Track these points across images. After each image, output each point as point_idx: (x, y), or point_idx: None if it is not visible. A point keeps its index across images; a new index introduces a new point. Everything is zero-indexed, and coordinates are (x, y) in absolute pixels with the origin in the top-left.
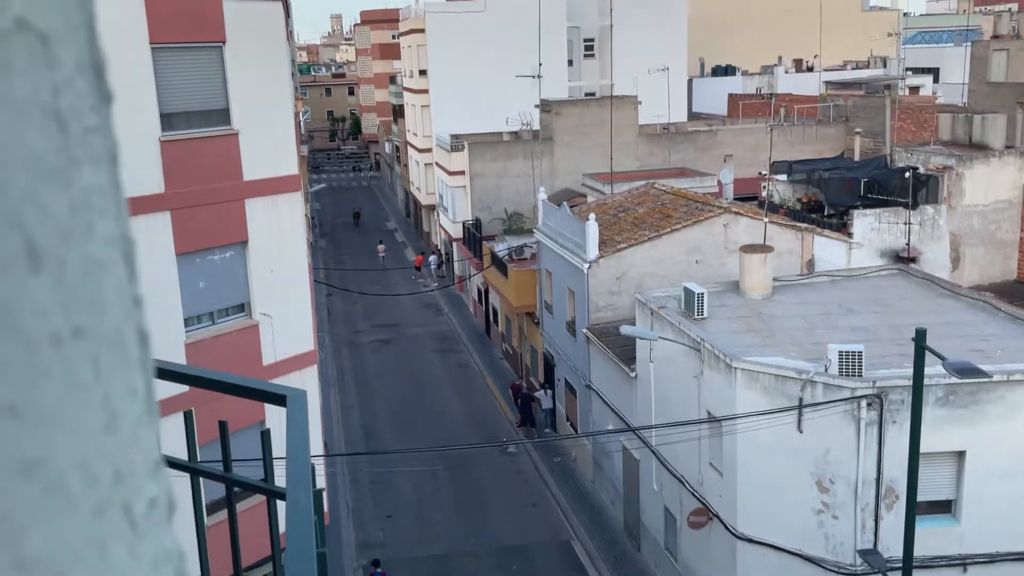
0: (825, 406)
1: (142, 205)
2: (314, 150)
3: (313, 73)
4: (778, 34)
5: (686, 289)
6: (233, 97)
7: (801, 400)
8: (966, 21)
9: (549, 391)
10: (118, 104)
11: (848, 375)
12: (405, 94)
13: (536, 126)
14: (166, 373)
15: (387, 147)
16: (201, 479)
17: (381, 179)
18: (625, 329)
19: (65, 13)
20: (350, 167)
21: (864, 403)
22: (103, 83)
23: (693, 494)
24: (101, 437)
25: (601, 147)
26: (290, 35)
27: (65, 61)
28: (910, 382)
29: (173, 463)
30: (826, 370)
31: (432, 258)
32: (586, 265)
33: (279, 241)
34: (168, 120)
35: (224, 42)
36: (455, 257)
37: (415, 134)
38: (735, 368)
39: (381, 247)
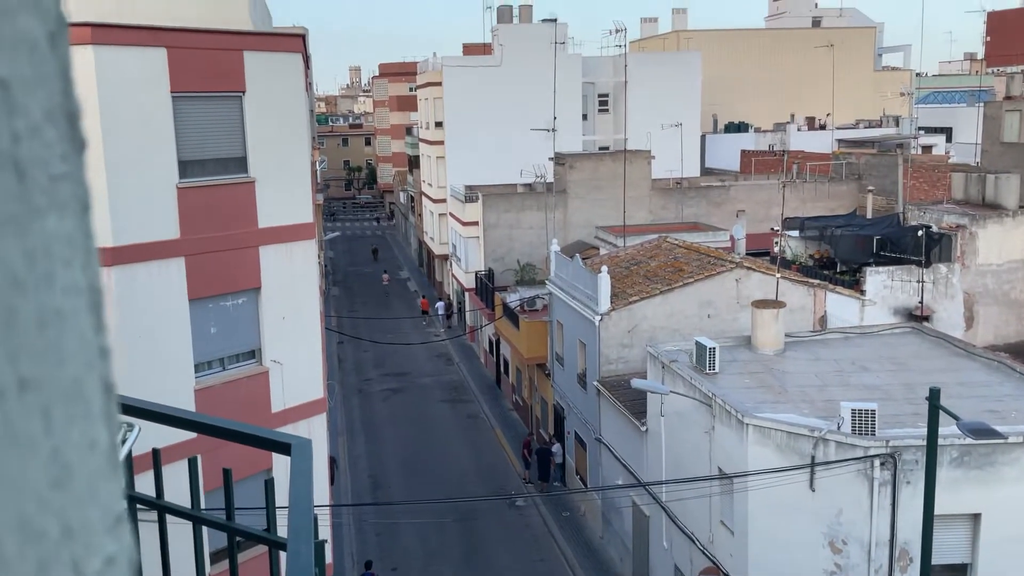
0: (838, 465)
1: (157, 250)
2: (329, 199)
3: (331, 123)
4: (791, 92)
5: (698, 343)
6: (251, 146)
7: (813, 458)
8: (979, 82)
9: (558, 444)
10: (138, 151)
11: (861, 434)
12: (421, 145)
13: (550, 178)
14: (171, 419)
15: (402, 197)
16: (204, 527)
17: (395, 228)
18: (636, 382)
19: (33, 62)
20: (365, 216)
21: (877, 463)
22: (76, 131)
23: (703, 552)
24: (48, 492)
25: (614, 200)
26: (309, 86)
27: (30, 109)
28: (924, 442)
29: (176, 511)
30: (839, 428)
31: (439, 304)
32: (598, 317)
33: (292, 288)
34: (186, 167)
35: (244, 92)
36: (467, 307)
37: (430, 184)
38: (747, 424)
39: (385, 276)
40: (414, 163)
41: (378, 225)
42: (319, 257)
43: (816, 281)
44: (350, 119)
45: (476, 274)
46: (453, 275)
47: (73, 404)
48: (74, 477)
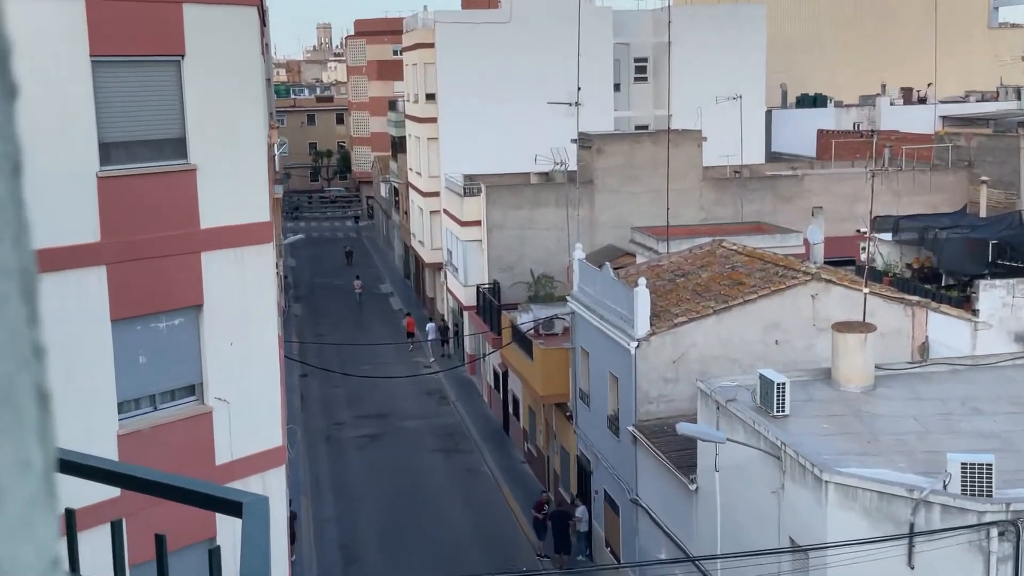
0: (944, 534)
1: (70, 257)
2: (291, 192)
3: (293, 96)
4: (882, 56)
5: (762, 377)
6: (191, 124)
7: (912, 526)
8: None
9: (582, 507)
10: (47, 131)
11: (974, 494)
12: (408, 124)
13: (572, 166)
14: (89, 471)
15: (383, 189)
16: None
17: (374, 229)
18: (683, 427)
19: None
20: (336, 213)
21: (995, 532)
22: (6, 74)
23: None
24: None
25: (654, 194)
26: (266, 49)
27: None
28: None
29: None
30: (945, 487)
31: (429, 326)
32: (634, 344)
33: (243, 306)
34: (108, 151)
35: (183, 56)
36: (466, 330)
37: (419, 174)
38: (826, 482)
39: (358, 283)
40: (399, 146)
41: (354, 225)
42: (277, 266)
43: (915, 298)
44: (318, 90)
45: (478, 288)
46: (448, 290)
47: (1, 411)
48: (4, 505)
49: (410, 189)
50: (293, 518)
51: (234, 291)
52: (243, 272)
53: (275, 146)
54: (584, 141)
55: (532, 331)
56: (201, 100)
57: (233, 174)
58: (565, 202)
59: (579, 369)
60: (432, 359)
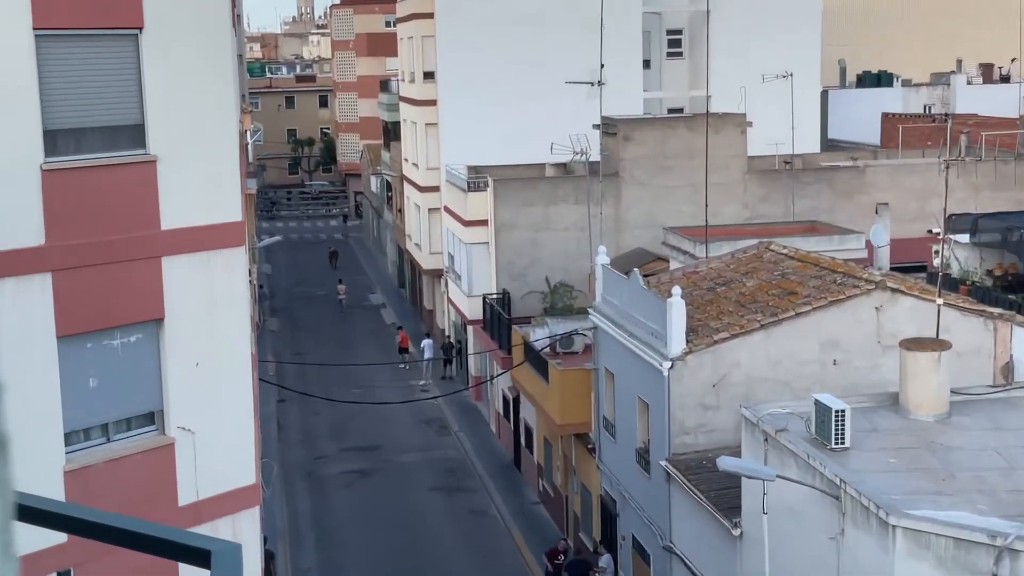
0: None
1: (10, 263)
2: (267, 187)
3: (269, 75)
4: (957, 28)
5: (818, 403)
6: (151, 108)
7: None
8: None
9: (606, 555)
10: None
11: None
12: (402, 107)
13: (595, 156)
14: (34, 513)
15: (374, 183)
16: None
17: (363, 230)
18: (725, 462)
19: None
20: (319, 211)
21: None
22: None
23: None
24: None
25: (691, 188)
26: (237, 20)
27: None
28: None
29: None
30: None
31: (426, 343)
32: (667, 364)
33: (210, 320)
34: (55, 140)
35: (141, 28)
36: (470, 348)
37: (415, 165)
38: (894, 527)
39: (341, 287)
40: (392, 134)
41: (341, 225)
42: (251, 273)
43: (997, 310)
44: (297, 68)
45: (484, 299)
46: (450, 301)
47: None
48: None
49: (405, 183)
50: (270, 559)
51: (200, 303)
52: (211, 280)
53: (248, 133)
54: (608, 127)
55: (548, 349)
56: (162, 80)
57: (199, 166)
58: (586, 198)
59: (603, 394)
60: (430, 381)
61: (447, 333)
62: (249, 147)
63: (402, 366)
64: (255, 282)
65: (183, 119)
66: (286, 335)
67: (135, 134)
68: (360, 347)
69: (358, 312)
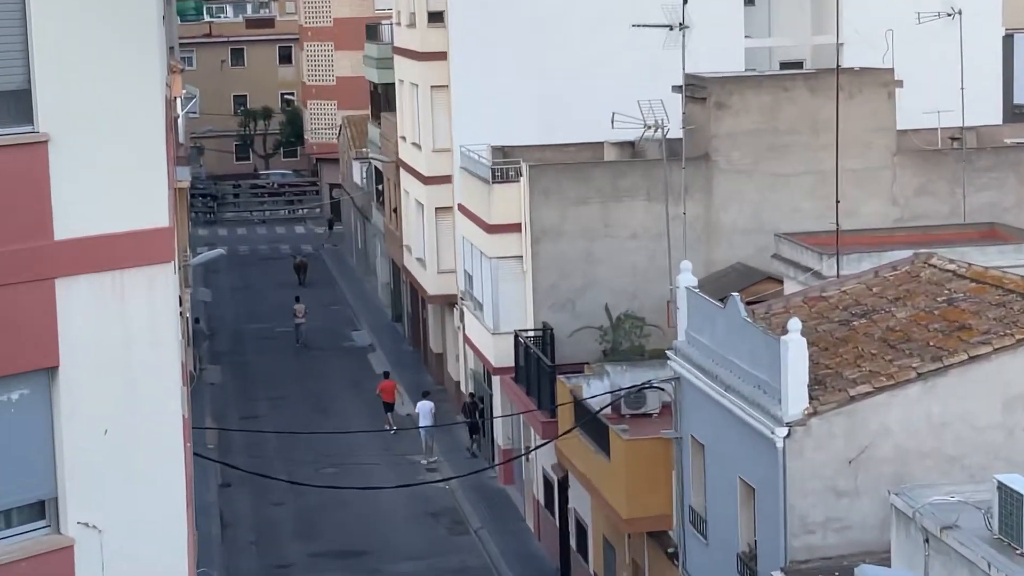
0: None
1: None
2: (206, 178)
3: (209, 19)
4: None
5: (1003, 488)
6: (41, 70)
7: None
8: None
9: None
10: None
11: None
12: (398, 63)
13: (675, 132)
14: None
15: (357, 172)
16: None
17: (343, 240)
18: (868, 573)
19: None
20: (279, 212)
21: None
22: None
23: None
24: None
25: (815, 177)
26: None
27: None
28: None
29: None
30: None
31: (422, 407)
32: (782, 432)
33: (124, 370)
34: None
35: None
36: (496, 408)
37: (417, 146)
38: None
39: (299, 308)
40: (384, 101)
41: (325, 234)
42: (182, 303)
43: None
44: (248, 9)
45: (517, 338)
46: (468, 341)
47: None
48: None
49: (402, 172)
50: None
51: (110, 344)
52: (123, 312)
53: (178, 102)
54: (695, 89)
55: (609, 410)
56: (57, 33)
57: (107, 150)
58: (663, 192)
59: (689, 474)
60: (433, 458)
61: (465, 388)
62: (180, 122)
63: (390, 431)
64: (188, 315)
65: (85, 84)
66: (232, 390)
67: (19, 104)
68: (338, 407)
69: (336, 356)
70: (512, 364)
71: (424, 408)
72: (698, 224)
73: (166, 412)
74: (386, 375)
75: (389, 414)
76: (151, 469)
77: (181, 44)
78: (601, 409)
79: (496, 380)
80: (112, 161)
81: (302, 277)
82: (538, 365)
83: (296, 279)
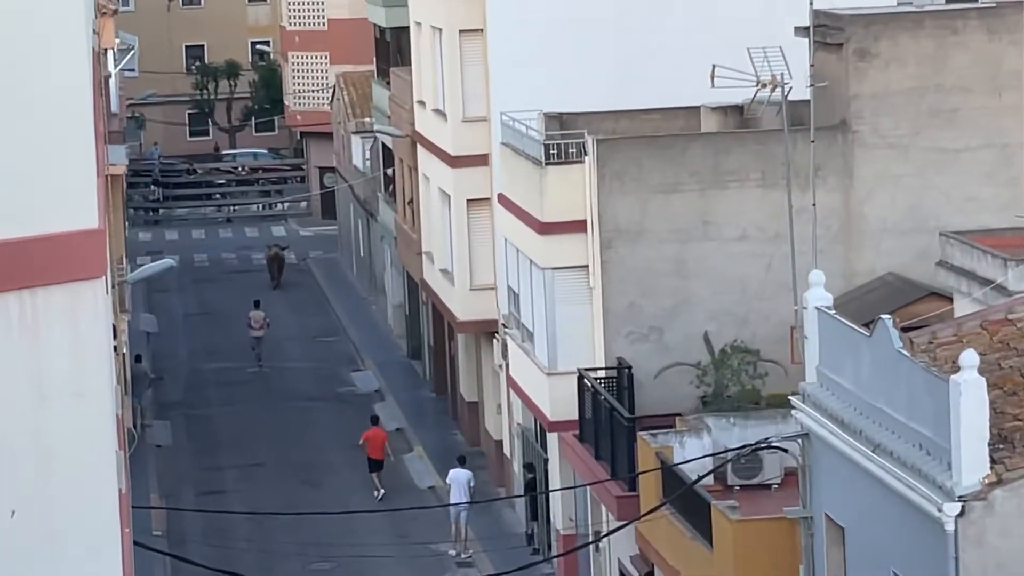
0: None
1: None
2: (150, 160)
3: None
4: None
5: None
6: None
7: None
8: None
9: None
10: None
11: None
12: (413, 0)
13: (799, 90)
14: None
15: (358, 152)
16: None
17: (338, 243)
18: None
19: None
20: (249, 206)
21: None
22: None
23: None
24: None
25: (994, 153)
26: None
27: None
28: None
29: None
30: None
31: (455, 476)
32: (952, 509)
33: (36, 428)
34: None
35: None
36: (554, 477)
37: (440, 114)
38: None
39: (258, 316)
40: (393, 53)
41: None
42: (116, 334)
43: None
44: None
45: (581, 379)
46: (513, 383)
47: None
48: None
49: (420, 150)
50: None
51: (15, 393)
52: (35, 348)
53: (109, 56)
54: (828, 32)
55: (711, 479)
56: None
57: (10, 123)
58: (783, 175)
59: (822, 568)
60: (468, 550)
61: (511, 451)
62: (113, 82)
63: (377, 495)
64: (126, 351)
65: None
66: (187, 455)
67: None
68: (333, 479)
69: (329, 407)
70: (575, 417)
71: (458, 479)
72: (834, 220)
73: (96, 486)
74: (374, 421)
75: (376, 475)
76: (77, 564)
77: None
78: (700, 478)
79: (553, 439)
80: (17, 138)
81: (277, 276)
82: (611, 418)
83: (269, 278)
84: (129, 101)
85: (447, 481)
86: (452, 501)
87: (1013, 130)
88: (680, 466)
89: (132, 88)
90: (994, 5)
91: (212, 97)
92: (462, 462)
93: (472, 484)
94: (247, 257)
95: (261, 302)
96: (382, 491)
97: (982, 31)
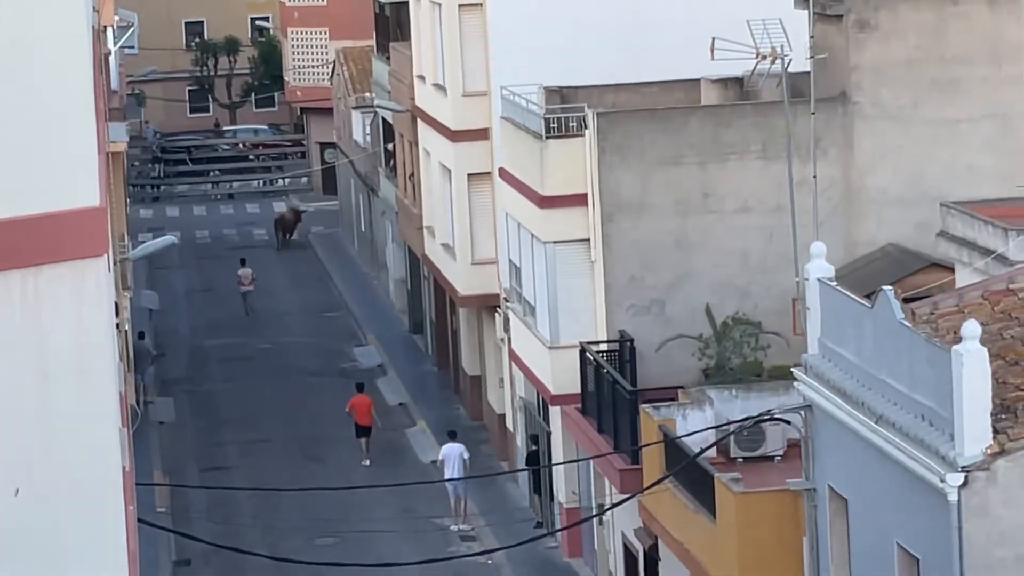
0: None
1: None
2: (150, 138)
3: None
4: None
5: None
6: None
7: None
8: None
9: None
10: None
11: None
12: None
13: (799, 61)
14: None
15: (358, 127)
16: None
17: (340, 219)
18: None
19: None
20: (256, 183)
21: None
22: None
23: None
24: None
25: (996, 123)
26: None
27: None
28: None
29: None
30: None
31: (448, 451)
32: (956, 479)
33: (39, 406)
34: None
35: None
36: (557, 451)
37: (441, 88)
38: None
39: (246, 273)
40: (392, 27)
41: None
42: (118, 311)
43: None
44: None
45: (584, 353)
46: (515, 358)
47: None
48: None
49: (420, 124)
50: None
51: (18, 371)
52: (38, 326)
53: (108, 34)
54: (827, 3)
55: (714, 452)
56: None
57: (11, 100)
58: (783, 147)
59: (826, 541)
60: (468, 523)
61: (514, 424)
62: (112, 61)
63: (365, 462)
64: (128, 329)
65: None
66: (190, 432)
67: None
68: (337, 454)
69: (332, 383)
70: (578, 390)
71: (451, 454)
72: (834, 191)
73: (99, 464)
74: (359, 388)
75: (364, 440)
76: (81, 542)
77: None
78: (703, 451)
79: (555, 412)
80: (17, 116)
81: (284, 237)
82: (614, 391)
83: (277, 241)
84: (129, 78)
85: (440, 457)
86: (447, 476)
87: (1014, 100)
88: (683, 439)
89: (132, 65)
90: None
91: (212, 73)
92: (452, 436)
93: (466, 457)
94: (248, 233)
95: (247, 260)
96: (368, 460)
97: (982, 2)
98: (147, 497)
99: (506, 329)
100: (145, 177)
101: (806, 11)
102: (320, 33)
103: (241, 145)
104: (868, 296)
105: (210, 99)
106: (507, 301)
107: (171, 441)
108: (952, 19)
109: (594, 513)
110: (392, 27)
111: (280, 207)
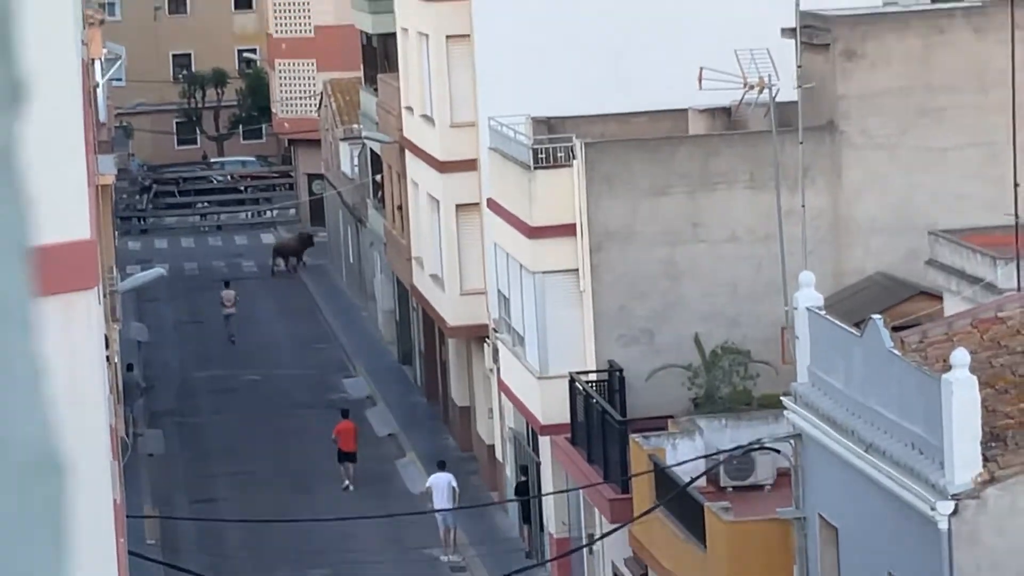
0: None
1: None
2: (137, 170)
3: None
4: None
5: None
6: None
7: None
8: None
9: None
10: None
11: None
12: (400, 5)
13: (787, 91)
14: None
15: (346, 158)
16: None
17: (328, 250)
18: None
19: None
20: (239, 215)
21: None
22: None
23: None
24: None
25: (983, 151)
26: None
27: None
28: None
29: None
30: None
31: (436, 480)
32: (946, 508)
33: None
34: None
35: None
36: (546, 481)
37: (429, 119)
38: None
39: (229, 294)
40: (382, 58)
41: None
42: (108, 344)
43: None
44: None
45: (573, 383)
46: (504, 387)
47: None
48: None
49: (408, 155)
50: None
51: None
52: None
53: (96, 66)
54: (815, 33)
55: (704, 481)
56: None
57: None
58: (771, 176)
59: (816, 568)
60: (458, 554)
61: (501, 455)
62: (101, 92)
63: (346, 487)
64: (117, 361)
65: None
66: (179, 464)
67: None
68: (326, 485)
69: (321, 414)
70: (567, 420)
71: (439, 483)
72: (822, 221)
73: (91, 496)
74: (344, 414)
75: (348, 466)
76: (72, 574)
77: None
78: (693, 480)
79: (545, 443)
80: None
81: (286, 263)
82: (603, 421)
83: (272, 265)
84: (117, 110)
85: (427, 485)
86: (436, 506)
87: (1000, 128)
88: (673, 468)
89: (120, 97)
90: (980, 4)
91: (199, 106)
92: (442, 467)
93: (455, 487)
94: (237, 264)
95: (231, 282)
96: (349, 484)
97: (968, 30)
98: (137, 529)
99: (495, 359)
100: (132, 209)
101: (793, 41)
102: (308, 65)
103: (229, 177)
104: (857, 325)
105: (198, 131)
106: (496, 331)
107: (161, 473)
108: (938, 47)
109: (584, 543)
110: (380, 58)
111: (268, 239)
